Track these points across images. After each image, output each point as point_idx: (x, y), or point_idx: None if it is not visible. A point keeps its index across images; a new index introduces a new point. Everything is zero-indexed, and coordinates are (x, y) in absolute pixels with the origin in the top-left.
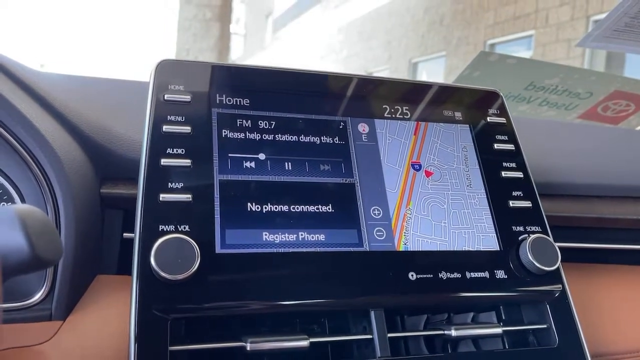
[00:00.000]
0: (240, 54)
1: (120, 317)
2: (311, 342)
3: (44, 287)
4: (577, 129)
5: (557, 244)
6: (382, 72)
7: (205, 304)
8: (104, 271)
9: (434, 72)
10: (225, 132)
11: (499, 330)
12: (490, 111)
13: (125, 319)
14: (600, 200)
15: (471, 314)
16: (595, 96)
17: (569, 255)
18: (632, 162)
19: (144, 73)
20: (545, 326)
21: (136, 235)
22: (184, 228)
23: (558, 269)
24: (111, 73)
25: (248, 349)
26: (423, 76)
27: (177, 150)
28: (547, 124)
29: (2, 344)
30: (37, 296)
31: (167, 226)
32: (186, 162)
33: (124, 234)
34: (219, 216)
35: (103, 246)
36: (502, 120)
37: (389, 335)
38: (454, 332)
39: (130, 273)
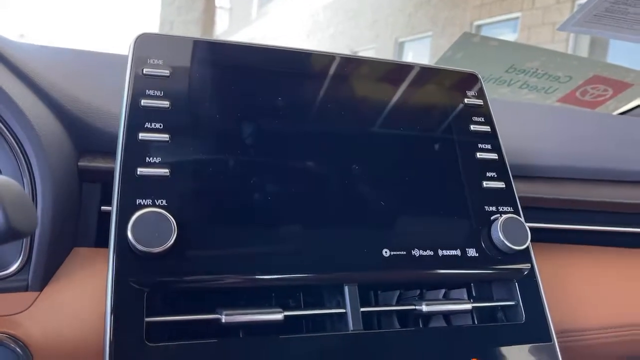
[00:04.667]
0: (226, 28)
1: (97, 289)
2: (285, 316)
3: (20, 258)
4: (551, 112)
5: (527, 224)
6: (368, 51)
7: (181, 277)
8: (81, 244)
9: (420, 52)
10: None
11: (468, 306)
12: (468, 93)
13: (102, 291)
14: (570, 182)
15: (443, 291)
16: (575, 80)
17: (540, 236)
18: (602, 146)
19: (126, 46)
20: (513, 303)
21: (113, 209)
22: (161, 202)
23: (527, 248)
24: (94, 45)
25: (223, 320)
26: (409, 56)
27: (155, 125)
28: (522, 107)
29: None
30: (14, 267)
31: (144, 200)
32: (164, 137)
33: (102, 207)
34: (196, 191)
35: (80, 219)
36: (479, 102)
37: (362, 309)
38: (425, 308)
39: (107, 246)
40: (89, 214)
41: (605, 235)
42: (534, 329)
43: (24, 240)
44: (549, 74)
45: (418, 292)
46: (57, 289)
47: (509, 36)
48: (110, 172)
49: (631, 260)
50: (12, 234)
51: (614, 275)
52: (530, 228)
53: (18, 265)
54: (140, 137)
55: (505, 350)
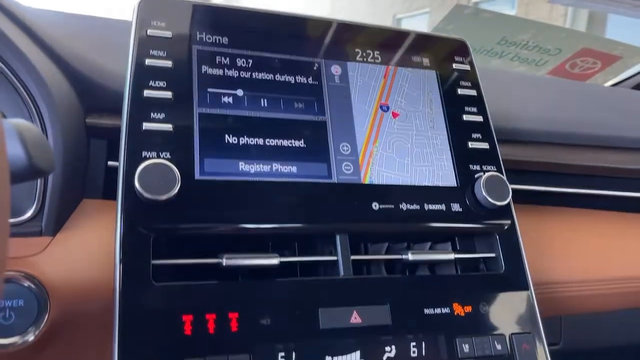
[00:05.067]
0: None
1: (106, 236)
2: (281, 262)
3: (34, 205)
4: (539, 82)
5: (512, 186)
6: None
7: (185, 224)
8: (90, 196)
9: (417, 28)
10: (204, 68)
11: (451, 256)
12: (456, 58)
13: (111, 238)
14: (554, 147)
15: (429, 244)
16: (564, 53)
17: (524, 198)
18: (587, 113)
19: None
20: (494, 255)
21: (121, 160)
22: (166, 155)
23: (509, 204)
24: (97, 11)
25: (224, 264)
26: None
27: (159, 83)
28: (510, 76)
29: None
30: (29, 214)
31: (149, 152)
32: (167, 94)
33: (109, 162)
34: (198, 146)
35: (88, 173)
36: (467, 67)
37: (352, 257)
38: (411, 257)
39: (114, 198)
40: (96, 168)
41: (585, 198)
42: (513, 279)
43: (38, 189)
44: (539, 47)
45: (405, 245)
46: (68, 234)
47: (507, 12)
48: (116, 129)
49: (607, 222)
50: (33, 172)
51: (590, 234)
52: (514, 190)
53: (32, 212)
54: (145, 95)
55: (485, 296)
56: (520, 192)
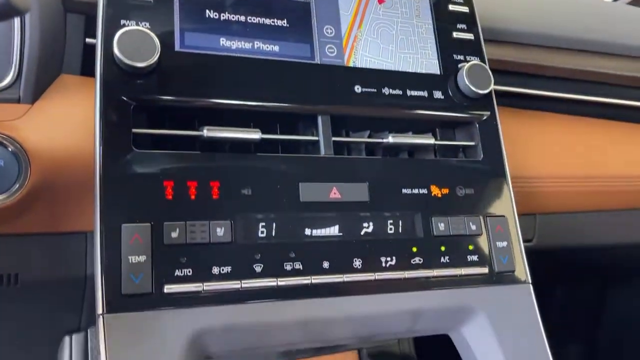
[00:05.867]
0: None
1: (85, 107)
2: (263, 138)
3: (12, 72)
4: None
5: (497, 87)
6: None
7: (165, 96)
8: (68, 72)
9: None
10: None
11: (431, 141)
12: None
13: (90, 109)
14: (538, 48)
15: (409, 134)
16: None
17: (509, 102)
18: (575, 18)
19: None
20: (473, 143)
21: (99, 28)
22: (145, 25)
23: (490, 94)
24: None
25: (205, 135)
26: None
27: None
28: None
29: None
30: (6, 80)
31: (128, 21)
32: None
33: (86, 39)
34: (178, 18)
35: (66, 49)
36: None
37: (334, 139)
38: (391, 139)
39: (93, 75)
40: (74, 45)
41: (561, 103)
42: (491, 166)
43: (15, 56)
44: None
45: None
46: (47, 104)
47: None
48: (93, 3)
49: (579, 126)
50: (8, 8)
51: (563, 136)
52: (500, 92)
53: (10, 79)
54: None
55: (462, 181)
56: (500, 94)
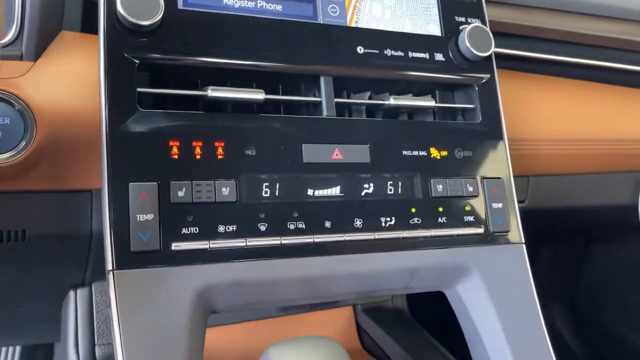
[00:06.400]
0: None
1: (89, 64)
2: (266, 99)
3: (13, 29)
4: None
5: (497, 49)
6: None
7: (168, 54)
8: (68, 28)
9: None
10: None
11: (431, 103)
12: None
13: (94, 66)
14: (538, 10)
15: (409, 96)
16: None
17: (509, 64)
18: None
19: None
20: (472, 106)
21: None
22: None
23: (490, 57)
24: None
25: (209, 95)
26: None
27: None
28: None
29: None
30: (8, 37)
31: None
32: None
33: None
34: None
35: (66, 5)
36: None
37: (336, 100)
38: (392, 101)
39: (94, 32)
40: (74, 2)
41: (565, 66)
42: (489, 129)
43: (16, 13)
44: None
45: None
46: (50, 61)
47: None
48: None
49: (576, 89)
50: None
51: (559, 99)
52: (497, 53)
53: (12, 36)
54: None
55: (460, 143)
56: (500, 56)
